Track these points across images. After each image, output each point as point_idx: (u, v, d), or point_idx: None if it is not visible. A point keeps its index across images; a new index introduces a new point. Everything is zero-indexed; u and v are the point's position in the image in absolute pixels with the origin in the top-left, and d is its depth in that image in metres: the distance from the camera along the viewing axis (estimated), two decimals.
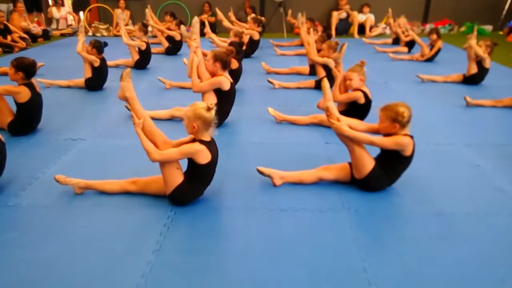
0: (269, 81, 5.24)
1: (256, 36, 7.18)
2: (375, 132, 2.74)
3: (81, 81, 5.11)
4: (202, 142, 2.42)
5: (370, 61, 6.83)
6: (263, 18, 8.01)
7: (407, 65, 6.56)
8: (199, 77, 3.78)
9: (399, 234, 2.31)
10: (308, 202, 2.61)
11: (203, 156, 2.40)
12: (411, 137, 2.57)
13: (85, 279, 1.96)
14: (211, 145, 2.46)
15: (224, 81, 3.67)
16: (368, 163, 2.63)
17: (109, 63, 5.44)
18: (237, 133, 3.80)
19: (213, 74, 3.73)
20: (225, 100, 3.77)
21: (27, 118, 3.66)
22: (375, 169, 2.63)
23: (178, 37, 7.42)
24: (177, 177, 2.47)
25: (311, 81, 5.19)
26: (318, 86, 5.10)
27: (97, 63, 4.98)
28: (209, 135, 2.48)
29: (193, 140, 2.47)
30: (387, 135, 2.62)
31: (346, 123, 2.69)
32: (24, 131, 3.68)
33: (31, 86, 3.58)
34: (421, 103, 4.59)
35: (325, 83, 2.81)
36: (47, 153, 3.33)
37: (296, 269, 2.02)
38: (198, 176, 2.50)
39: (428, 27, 9.87)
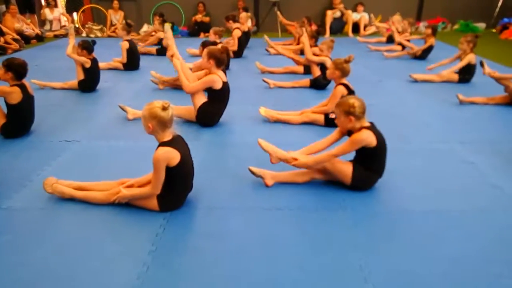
0: (264, 81, 5.23)
1: (237, 34, 7.10)
2: (341, 135, 2.77)
3: (74, 83, 5.08)
4: (163, 144, 2.35)
5: (364, 59, 6.86)
6: (240, 14, 7.89)
7: (401, 64, 6.57)
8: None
9: (395, 232, 2.32)
10: (303, 201, 2.60)
11: (173, 156, 2.33)
12: (370, 126, 2.59)
13: (80, 281, 1.95)
14: (175, 143, 2.38)
15: (217, 80, 3.65)
16: (346, 171, 2.64)
17: (101, 65, 5.40)
18: (231, 133, 3.79)
19: (207, 72, 3.72)
20: (218, 99, 3.76)
21: (19, 120, 3.63)
22: (356, 172, 2.64)
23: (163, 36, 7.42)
24: (152, 201, 2.44)
25: (306, 80, 5.19)
26: (313, 85, 5.10)
27: (88, 64, 4.93)
28: (171, 134, 2.40)
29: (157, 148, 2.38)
30: (350, 132, 2.65)
31: (304, 153, 2.78)
32: (16, 134, 3.65)
33: (23, 87, 3.55)
34: (415, 101, 4.61)
35: (263, 143, 2.82)
36: (41, 155, 3.31)
37: (292, 269, 2.02)
38: (176, 179, 2.41)
39: (422, 25, 9.91)
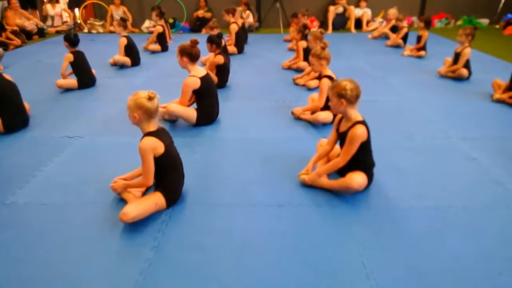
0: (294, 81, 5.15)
1: (234, 28, 7.02)
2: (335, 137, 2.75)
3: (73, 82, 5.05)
4: (148, 134, 2.35)
5: (367, 55, 6.84)
6: (238, 8, 7.79)
7: (404, 60, 6.54)
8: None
9: (397, 228, 2.31)
10: (306, 197, 2.60)
11: (157, 146, 2.33)
12: (364, 120, 2.53)
13: (83, 277, 1.96)
14: (158, 134, 2.38)
15: (192, 82, 3.62)
16: (363, 181, 2.58)
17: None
18: (232, 129, 3.78)
19: (184, 68, 3.72)
20: (205, 96, 3.75)
21: (9, 106, 3.60)
22: (369, 176, 2.61)
23: (160, 30, 7.35)
24: (161, 202, 2.44)
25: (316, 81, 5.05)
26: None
27: (71, 59, 4.90)
28: (155, 125, 2.40)
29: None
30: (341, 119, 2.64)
31: (316, 161, 2.81)
32: (16, 122, 3.67)
33: None
34: (418, 96, 4.60)
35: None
36: (44, 151, 3.31)
37: (295, 265, 2.02)
38: (166, 170, 2.43)
39: (414, 19, 9.90)
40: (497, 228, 2.30)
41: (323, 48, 3.73)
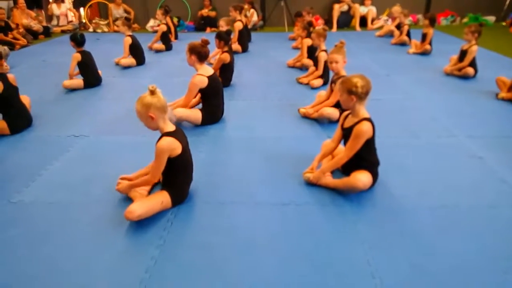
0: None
1: (239, 26, 7.03)
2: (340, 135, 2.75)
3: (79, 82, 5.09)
4: (167, 134, 2.34)
5: (372, 53, 6.81)
6: (245, 6, 7.79)
7: (409, 58, 6.52)
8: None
9: (402, 227, 2.31)
10: (310, 196, 2.61)
11: (175, 147, 2.33)
12: (369, 118, 2.52)
13: (89, 275, 1.98)
14: (177, 134, 2.37)
15: (199, 81, 3.63)
16: (368, 180, 2.57)
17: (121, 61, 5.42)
18: (237, 128, 3.79)
19: (192, 66, 3.73)
20: (211, 96, 3.75)
21: (12, 108, 3.63)
22: (373, 176, 2.61)
23: (164, 29, 7.35)
24: (166, 200, 2.45)
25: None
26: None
27: (78, 58, 4.92)
28: (172, 125, 2.40)
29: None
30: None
31: (321, 159, 2.82)
32: (20, 126, 3.69)
33: (2, 78, 3.57)
34: (423, 95, 4.58)
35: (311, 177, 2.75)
36: (50, 150, 3.34)
37: (299, 264, 2.02)
38: (179, 170, 2.44)
39: (420, 17, 9.85)
40: (502, 227, 2.29)
41: (340, 46, 3.66)
